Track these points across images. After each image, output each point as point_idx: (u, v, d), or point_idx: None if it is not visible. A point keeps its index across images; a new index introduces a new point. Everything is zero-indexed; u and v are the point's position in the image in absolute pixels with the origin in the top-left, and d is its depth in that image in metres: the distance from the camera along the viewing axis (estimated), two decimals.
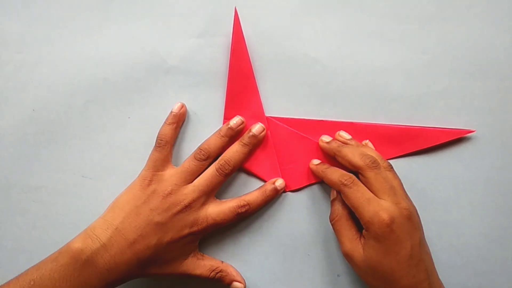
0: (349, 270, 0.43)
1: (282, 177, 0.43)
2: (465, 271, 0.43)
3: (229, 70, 0.43)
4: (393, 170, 0.39)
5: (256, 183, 0.44)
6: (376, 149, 0.42)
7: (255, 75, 0.43)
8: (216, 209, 0.40)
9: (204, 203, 0.40)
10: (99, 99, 0.44)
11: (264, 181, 0.43)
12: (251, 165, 0.43)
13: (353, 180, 0.38)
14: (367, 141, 0.42)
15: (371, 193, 0.37)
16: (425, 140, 0.42)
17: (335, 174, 0.39)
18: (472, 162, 0.43)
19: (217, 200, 0.42)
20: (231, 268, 0.42)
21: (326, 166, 0.41)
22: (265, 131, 0.42)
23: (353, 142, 0.41)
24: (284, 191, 0.43)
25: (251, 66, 0.43)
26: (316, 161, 0.42)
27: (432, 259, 0.38)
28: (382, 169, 0.38)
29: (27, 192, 0.44)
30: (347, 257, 0.38)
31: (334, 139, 0.42)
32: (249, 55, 0.43)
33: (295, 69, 0.44)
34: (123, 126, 0.44)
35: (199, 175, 0.41)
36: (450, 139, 0.42)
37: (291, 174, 0.43)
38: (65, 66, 0.44)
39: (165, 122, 0.42)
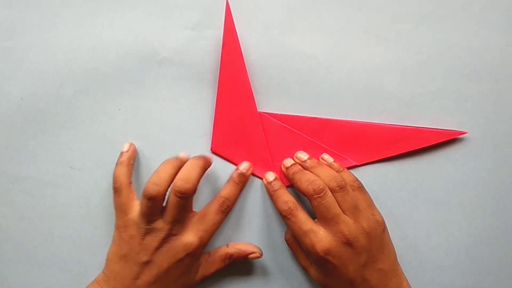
0: None
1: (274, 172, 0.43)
2: (453, 271, 0.43)
3: (220, 64, 0.42)
4: (346, 189, 0.38)
5: (251, 180, 0.44)
6: (368, 149, 0.42)
7: (249, 70, 0.42)
8: (200, 221, 0.40)
9: (183, 225, 0.39)
10: (90, 89, 0.44)
11: (258, 177, 0.43)
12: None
13: (291, 211, 0.38)
14: (324, 154, 0.42)
15: (309, 223, 0.38)
16: (418, 141, 0.42)
17: (278, 201, 0.40)
18: (463, 163, 0.43)
19: (196, 212, 0.41)
20: (239, 244, 0.42)
21: (277, 186, 0.41)
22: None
23: (308, 163, 0.41)
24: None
25: (243, 60, 0.42)
26: (270, 177, 0.42)
27: (386, 273, 0.38)
28: (327, 196, 0.38)
29: (14, 183, 0.44)
30: (305, 270, 0.42)
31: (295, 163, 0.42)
32: (243, 49, 0.42)
33: (289, 65, 0.43)
34: (113, 117, 0.43)
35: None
36: (442, 140, 0.42)
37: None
38: (55, 55, 0.44)
39: (116, 163, 0.42)
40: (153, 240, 0.38)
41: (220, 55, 0.42)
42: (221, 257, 0.41)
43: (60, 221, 0.44)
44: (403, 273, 0.40)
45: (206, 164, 0.40)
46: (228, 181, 0.42)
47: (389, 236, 0.40)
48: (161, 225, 0.38)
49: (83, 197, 0.43)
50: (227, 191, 0.41)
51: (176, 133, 0.44)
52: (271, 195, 0.41)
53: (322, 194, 0.37)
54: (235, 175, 0.41)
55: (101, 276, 0.40)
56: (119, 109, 0.44)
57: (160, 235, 0.38)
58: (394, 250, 0.40)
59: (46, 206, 0.44)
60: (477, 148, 0.43)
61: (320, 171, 0.40)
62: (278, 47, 0.43)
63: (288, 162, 0.42)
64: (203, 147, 0.43)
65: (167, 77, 0.43)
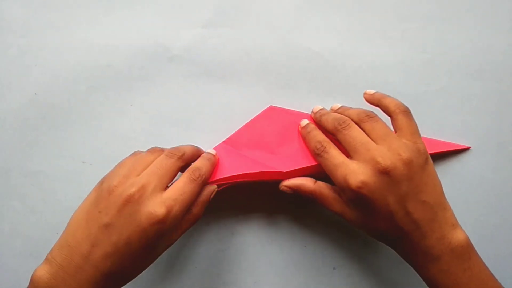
0: (345, 263, 0.43)
1: (279, 161, 0.41)
2: None
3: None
4: (375, 118, 0.36)
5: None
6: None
7: (257, 67, 0.43)
8: (171, 190, 0.34)
9: (155, 189, 0.33)
10: (102, 86, 0.44)
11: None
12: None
13: (324, 148, 0.37)
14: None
15: (341, 157, 0.35)
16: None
17: (311, 142, 0.38)
18: (467, 161, 0.44)
19: None
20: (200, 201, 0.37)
21: (309, 130, 0.40)
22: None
23: (341, 110, 0.40)
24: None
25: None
26: (303, 123, 0.41)
27: (432, 206, 0.34)
28: (352, 127, 0.36)
29: (26, 176, 0.44)
30: (340, 216, 0.37)
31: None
32: (252, 47, 0.43)
33: (297, 63, 0.44)
34: (124, 113, 0.44)
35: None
36: (444, 151, 0.43)
37: (288, 162, 0.41)
38: (68, 52, 0.44)
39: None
40: (119, 194, 0.33)
41: (229, 53, 0.43)
42: (204, 202, 0.37)
43: (71, 215, 0.44)
44: (450, 208, 0.35)
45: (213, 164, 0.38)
46: (201, 156, 0.39)
47: (434, 168, 0.35)
48: (137, 178, 0.34)
49: None
50: (199, 162, 0.37)
51: (186, 129, 0.44)
52: (305, 137, 0.40)
53: (345, 125, 0.36)
54: (205, 153, 0.39)
55: (56, 243, 0.34)
56: (131, 105, 0.44)
57: (129, 191, 0.33)
58: (441, 184, 0.35)
59: (57, 200, 0.44)
60: (482, 146, 0.43)
61: (351, 111, 0.39)
62: (286, 45, 0.44)
63: (317, 107, 0.42)
64: (211, 143, 0.44)
65: (177, 74, 0.44)
